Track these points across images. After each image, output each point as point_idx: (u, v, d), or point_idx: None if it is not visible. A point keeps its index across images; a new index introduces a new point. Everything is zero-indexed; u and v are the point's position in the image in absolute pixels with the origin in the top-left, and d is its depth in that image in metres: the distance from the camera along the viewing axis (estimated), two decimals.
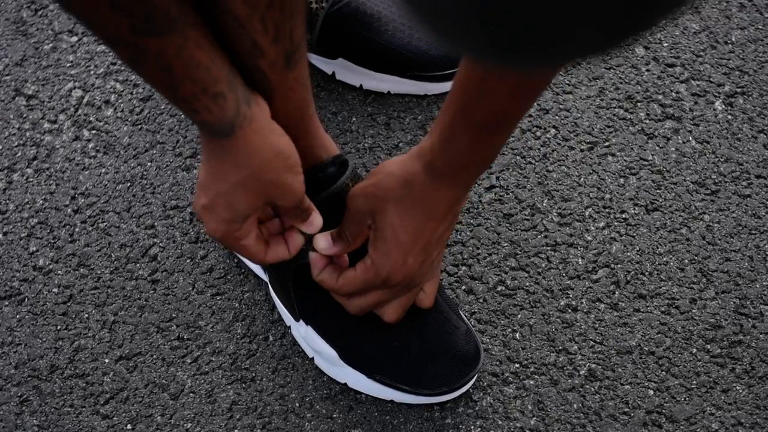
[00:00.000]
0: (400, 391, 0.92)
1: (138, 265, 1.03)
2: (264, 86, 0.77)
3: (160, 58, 0.67)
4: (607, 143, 1.11)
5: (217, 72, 0.71)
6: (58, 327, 1.00)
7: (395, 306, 0.89)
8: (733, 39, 1.19)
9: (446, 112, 0.76)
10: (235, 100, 0.73)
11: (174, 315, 1.00)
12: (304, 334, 0.95)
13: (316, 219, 0.84)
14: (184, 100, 0.71)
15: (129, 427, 0.95)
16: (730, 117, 1.13)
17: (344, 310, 0.91)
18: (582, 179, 1.09)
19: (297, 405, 0.95)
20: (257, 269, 1.00)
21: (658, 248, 1.04)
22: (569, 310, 1.00)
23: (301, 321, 0.94)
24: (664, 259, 1.03)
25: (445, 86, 1.13)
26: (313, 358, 0.97)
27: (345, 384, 0.95)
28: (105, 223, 1.06)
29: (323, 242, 0.87)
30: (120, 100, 1.14)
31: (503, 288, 1.02)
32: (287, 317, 0.98)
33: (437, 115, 0.78)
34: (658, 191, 1.08)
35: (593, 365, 0.97)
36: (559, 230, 1.05)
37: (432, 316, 0.92)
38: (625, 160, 1.10)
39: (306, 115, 0.83)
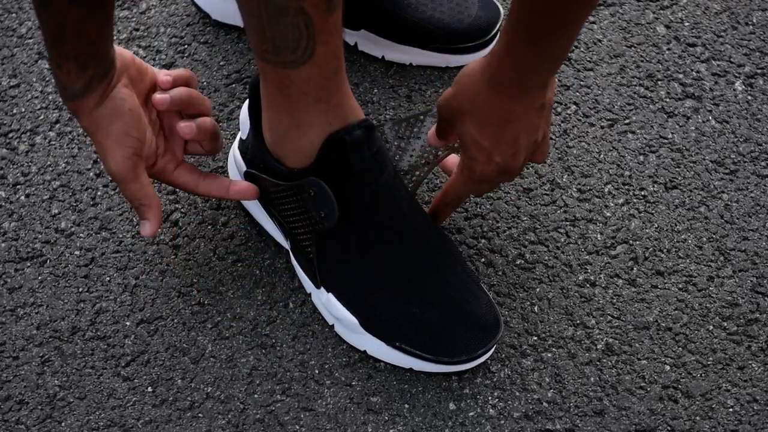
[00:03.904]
0: (419, 358, 0.93)
1: (159, 230, 1.04)
2: (307, 30, 0.79)
3: (60, 17, 0.78)
4: (627, 121, 1.12)
5: (94, 49, 0.82)
6: (80, 289, 1.01)
7: (481, 190, 0.94)
8: (754, 20, 1.20)
9: (509, 21, 0.77)
10: (93, 76, 0.84)
11: (195, 280, 1.01)
12: (325, 301, 0.95)
13: (143, 227, 0.92)
14: (57, 54, 0.81)
15: (150, 389, 0.96)
16: (750, 97, 1.14)
17: (365, 276, 0.92)
18: (602, 156, 1.09)
19: (316, 372, 0.96)
20: (279, 237, 1.01)
21: (676, 226, 1.05)
22: (587, 285, 1.01)
23: (322, 288, 0.95)
24: (683, 236, 1.04)
25: (467, 58, 1.14)
26: (333, 326, 0.98)
27: (364, 351, 0.96)
28: None
29: (430, 137, 0.95)
30: None
31: (522, 261, 1.02)
32: (308, 284, 0.98)
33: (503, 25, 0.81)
34: (677, 169, 1.08)
35: (610, 340, 0.98)
36: (578, 206, 1.06)
37: (454, 285, 0.93)
38: (645, 138, 1.10)
39: (340, 67, 0.85)
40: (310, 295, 0.99)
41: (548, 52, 0.78)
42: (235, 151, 1.00)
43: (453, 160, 0.99)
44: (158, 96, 0.91)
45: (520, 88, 0.81)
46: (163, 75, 0.92)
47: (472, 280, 0.94)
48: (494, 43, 1.14)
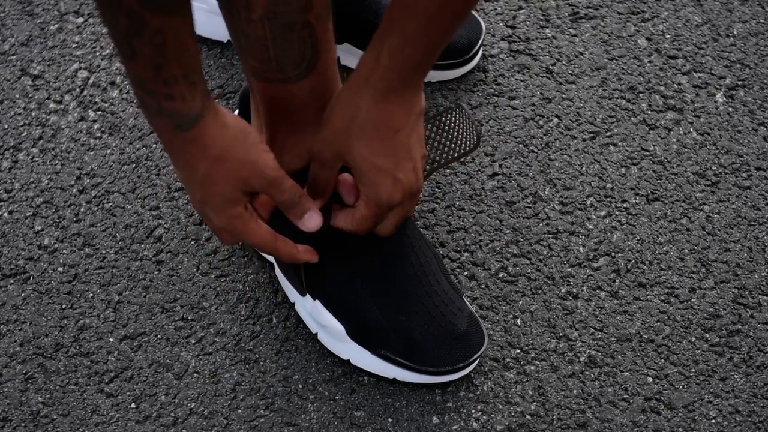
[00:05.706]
0: (403, 368, 0.93)
1: (143, 245, 1.04)
2: (311, 41, 0.79)
3: (158, 35, 0.70)
4: (609, 133, 1.12)
5: (196, 61, 0.74)
6: (63, 306, 1.01)
7: (390, 221, 0.89)
8: (735, 32, 1.20)
9: (386, 22, 0.76)
10: (202, 90, 0.76)
11: (178, 296, 1.01)
12: (311, 308, 0.95)
13: (312, 219, 0.85)
14: (164, 83, 0.73)
15: (133, 405, 0.96)
16: (731, 109, 1.14)
17: (353, 283, 0.92)
18: (584, 168, 1.10)
19: (300, 386, 0.96)
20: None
21: (658, 238, 1.05)
22: (570, 298, 1.01)
23: (308, 296, 0.95)
24: (665, 248, 1.05)
25: (448, 74, 1.14)
26: (317, 334, 0.97)
27: (348, 361, 0.96)
28: (110, 204, 1.07)
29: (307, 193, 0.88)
30: (125, 82, 1.15)
31: (505, 274, 1.03)
32: (292, 294, 0.98)
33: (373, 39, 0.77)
34: (659, 181, 1.09)
35: (593, 352, 0.98)
36: (560, 218, 1.06)
37: (440, 296, 0.93)
38: (627, 150, 1.11)
39: (337, 73, 0.85)
40: (294, 304, 0.99)
41: (435, 50, 0.77)
42: None
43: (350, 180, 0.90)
44: None
45: (402, 93, 0.79)
46: None
47: (456, 293, 0.94)
48: (477, 59, 1.14)
